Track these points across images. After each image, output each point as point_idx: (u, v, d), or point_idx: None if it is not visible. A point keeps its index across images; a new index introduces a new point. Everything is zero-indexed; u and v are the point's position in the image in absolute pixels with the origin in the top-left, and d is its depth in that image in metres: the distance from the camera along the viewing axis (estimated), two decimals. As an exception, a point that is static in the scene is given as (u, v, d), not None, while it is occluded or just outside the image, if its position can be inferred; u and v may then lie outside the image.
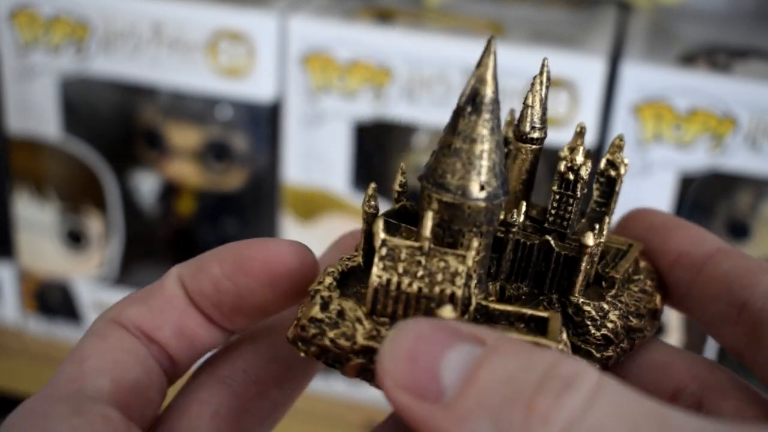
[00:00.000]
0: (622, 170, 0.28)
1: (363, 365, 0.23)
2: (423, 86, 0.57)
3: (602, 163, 0.28)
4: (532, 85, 0.27)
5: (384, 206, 0.26)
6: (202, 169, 0.66)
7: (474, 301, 0.24)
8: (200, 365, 0.28)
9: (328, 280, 0.25)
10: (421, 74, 0.56)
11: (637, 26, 0.61)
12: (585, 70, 0.54)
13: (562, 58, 0.55)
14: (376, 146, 0.64)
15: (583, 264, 0.26)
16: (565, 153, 0.28)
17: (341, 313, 0.24)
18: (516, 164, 0.27)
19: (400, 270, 0.23)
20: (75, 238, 0.69)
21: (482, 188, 0.23)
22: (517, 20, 0.61)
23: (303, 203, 0.63)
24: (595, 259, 0.27)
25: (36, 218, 0.68)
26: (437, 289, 0.23)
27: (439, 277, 0.23)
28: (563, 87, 0.55)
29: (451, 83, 0.56)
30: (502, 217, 0.26)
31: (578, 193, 0.27)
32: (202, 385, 0.27)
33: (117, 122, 0.68)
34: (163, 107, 0.66)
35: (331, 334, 0.24)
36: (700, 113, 0.54)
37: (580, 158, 0.27)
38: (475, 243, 0.24)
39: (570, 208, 0.27)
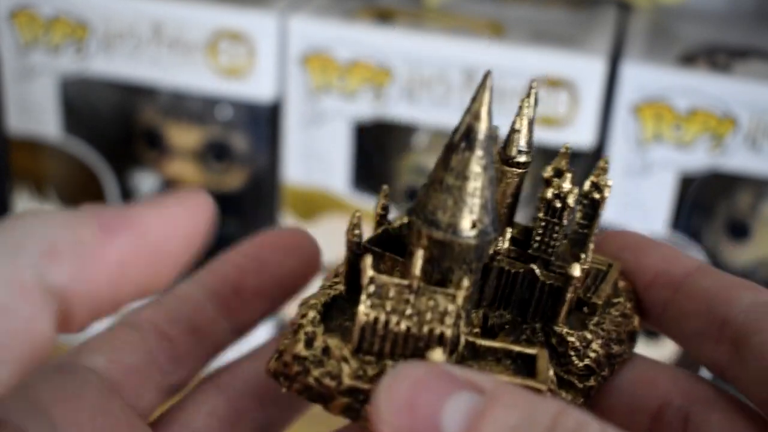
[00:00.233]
0: (606, 193, 0.27)
1: (348, 404, 0.23)
2: (423, 86, 0.57)
3: (586, 185, 0.27)
4: (520, 108, 0.27)
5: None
6: (202, 169, 0.66)
7: (462, 340, 0.23)
8: (205, 377, 0.28)
9: (311, 314, 0.24)
10: (421, 74, 0.56)
11: (637, 26, 0.61)
12: (585, 70, 0.54)
13: (562, 58, 0.55)
14: (376, 146, 0.64)
15: (569, 294, 0.26)
16: (548, 173, 0.27)
17: (326, 351, 0.23)
18: (500, 187, 0.27)
19: (388, 308, 0.23)
20: (75, 238, 0.69)
21: (473, 226, 0.23)
22: (517, 20, 0.61)
23: (303, 203, 0.63)
24: (579, 288, 0.26)
25: (36, 218, 0.68)
26: (426, 329, 0.23)
27: (428, 316, 0.23)
28: (563, 87, 0.55)
29: (451, 83, 0.56)
30: None
31: (564, 221, 0.26)
32: (201, 390, 0.27)
33: (117, 122, 0.68)
34: (163, 107, 0.66)
35: (315, 373, 0.23)
36: (700, 113, 0.54)
37: (567, 185, 0.26)
38: (466, 282, 0.23)
39: (555, 235, 0.27)
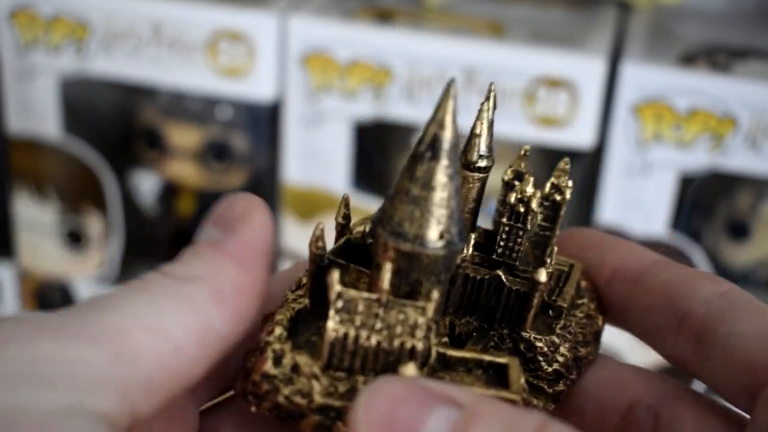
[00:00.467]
0: (567, 195, 0.27)
1: (320, 422, 0.22)
2: (423, 86, 0.57)
3: (547, 187, 0.27)
4: (480, 111, 0.26)
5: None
6: (202, 169, 0.66)
7: (433, 352, 0.23)
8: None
9: (278, 330, 0.24)
10: (421, 74, 0.56)
11: (637, 26, 0.61)
12: (585, 70, 0.54)
13: (562, 58, 0.55)
14: (376, 146, 0.64)
15: (535, 300, 0.26)
16: (508, 176, 0.27)
17: (296, 368, 0.23)
18: (462, 192, 0.27)
19: (358, 323, 0.22)
20: (75, 238, 0.69)
21: (441, 237, 0.22)
22: (517, 20, 0.61)
23: (303, 203, 0.63)
24: (545, 291, 0.26)
25: (36, 218, 0.68)
26: (397, 343, 0.22)
27: (399, 329, 0.22)
28: (563, 87, 0.55)
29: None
30: None
31: (528, 225, 0.26)
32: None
33: (117, 122, 0.68)
34: (163, 107, 0.66)
35: (285, 391, 0.23)
36: (700, 113, 0.54)
37: (530, 189, 0.26)
38: (435, 294, 0.23)
39: (519, 240, 0.26)
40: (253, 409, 0.23)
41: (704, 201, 0.59)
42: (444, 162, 0.22)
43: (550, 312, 0.27)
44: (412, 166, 0.22)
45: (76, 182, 0.68)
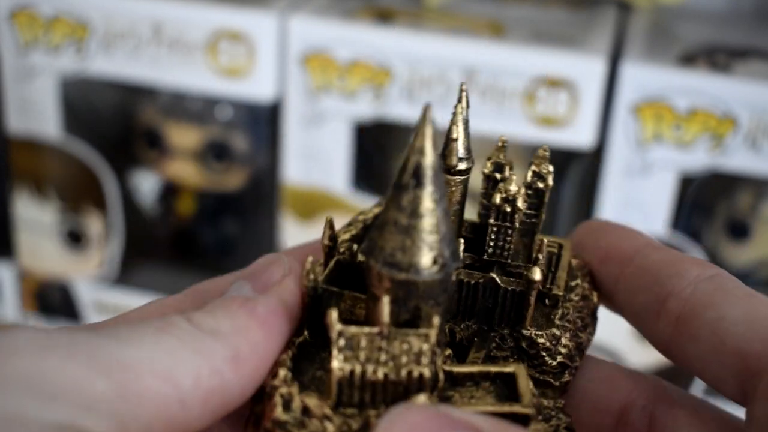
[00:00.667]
0: (549, 181, 0.27)
1: None
2: (423, 86, 0.57)
3: (528, 176, 0.27)
4: (454, 114, 0.26)
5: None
6: (202, 169, 0.66)
7: (441, 375, 0.23)
8: None
9: (282, 372, 0.23)
10: (421, 74, 0.56)
11: (637, 26, 0.61)
12: (585, 70, 0.54)
13: (562, 58, 0.55)
14: (376, 146, 0.64)
15: (532, 298, 0.26)
16: (488, 168, 0.27)
17: (306, 411, 0.22)
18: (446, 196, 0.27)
19: (362, 358, 0.22)
20: (75, 238, 0.69)
21: (435, 262, 0.22)
22: (517, 20, 0.61)
23: (303, 203, 0.63)
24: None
25: (36, 218, 0.68)
26: (404, 373, 0.22)
27: (404, 359, 0.22)
28: (563, 87, 0.55)
29: (451, 83, 0.56)
30: None
31: (516, 223, 0.26)
32: None
33: (117, 122, 0.68)
34: (163, 107, 0.66)
35: None
36: (700, 113, 0.54)
37: (513, 187, 0.26)
38: (436, 320, 0.23)
39: (509, 238, 0.26)
40: None
41: (704, 201, 0.59)
42: (429, 188, 0.22)
43: (546, 301, 0.27)
44: (398, 196, 0.22)
45: (76, 182, 0.68)
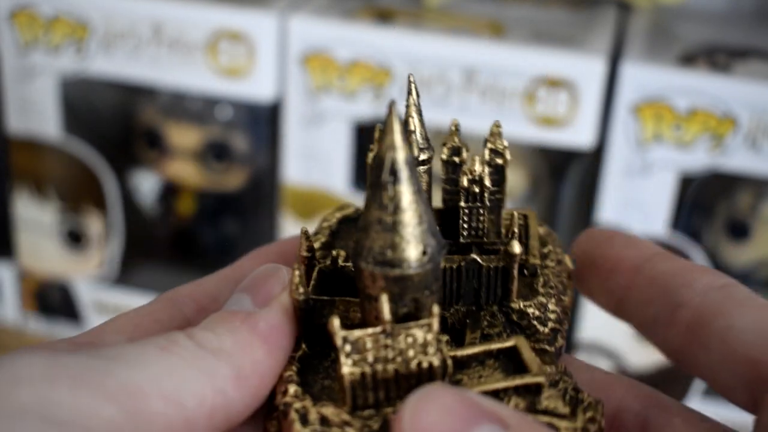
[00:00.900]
0: (507, 155, 0.27)
1: None
2: (423, 86, 0.57)
3: (486, 154, 0.28)
4: (407, 107, 0.27)
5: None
6: (202, 169, 0.66)
7: (449, 362, 0.23)
8: None
9: (293, 388, 0.23)
10: (421, 74, 0.56)
11: (637, 26, 0.61)
12: (585, 70, 0.54)
13: (562, 58, 0.55)
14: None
15: (515, 271, 0.26)
16: (446, 154, 0.27)
17: (324, 421, 0.23)
18: None
19: (371, 359, 0.23)
20: (75, 238, 0.69)
21: (424, 253, 0.23)
22: (517, 20, 0.61)
23: (303, 203, 0.63)
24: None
25: (36, 218, 0.68)
26: (414, 365, 0.23)
27: (411, 352, 0.23)
28: (563, 87, 0.55)
29: (451, 83, 0.56)
30: None
31: (486, 201, 0.27)
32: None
33: (117, 122, 0.68)
34: (163, 107, 0.66)
35: None
36: (700, 113, 0.54)
37: (478, 167, 0.26)
38: (436, 309, 0.23)
39: (482, 218, 0.27)
40: None
41: (704, 201, 0.59)
42: (407, 182, 0.22)
43: (525, 272, 0.27)
44: (377, 194, 0.23)
45: (76, 182, 0.68)
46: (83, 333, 0.25)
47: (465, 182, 0.27)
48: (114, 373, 0.21)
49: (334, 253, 0.27)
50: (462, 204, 0.27)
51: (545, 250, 0.28)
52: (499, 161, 0.27)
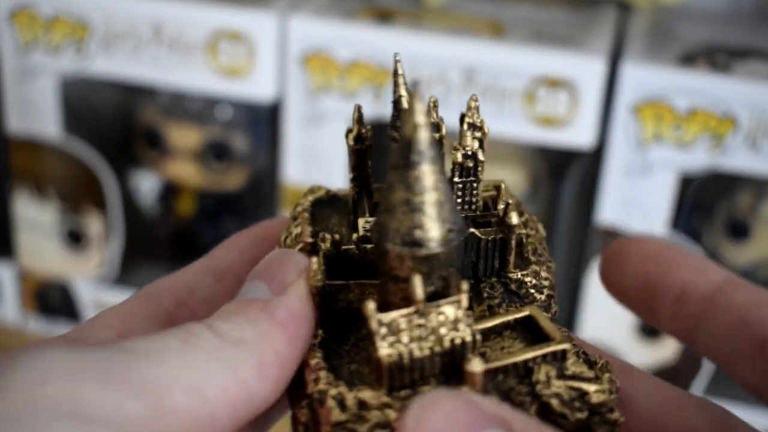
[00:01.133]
0: (486, 129, 0.28)
1: None
2: (423, 86, 0.56)
3: (465, 128, 0.28)
4: (397, 86, 0.27)
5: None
6: (202, 169, 0.66)
7: (478, 336, 0.23)
8: None
9: (324, 375, 0.23)
10: (421, 74, 0.56)
11: (637, 26, 0.61)
12: (585, 70, 0.54)
13: (562, 58, 0.55)
14: (376, 146, 0.64)
15: (514, 242, 0.26)
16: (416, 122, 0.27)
17: (363, 405, 0.23)
18: None
19: (405, 340, 0.23)
20: (75, 238, 0.69)
21: (450, 230, 0.23)
22: (517, 20, 0.61)
23: (303, 203, 0.62)
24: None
25: (36, 218, 0.68)
26: (447, 342, 0.23)
27: (443, 330, 0.23)
28: (563, 87, 0.55)
29: (451, 83, 0.56)
30: None
31: (480, 175, 0.27)
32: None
33: (117, 122, 0.68)
34: (163, 107, 0.66)
35: (363, 429, 0.22)
36: (700, 113, 0.54)
37: (469, 141, 0.27)
38: (465, 285, 0.23)
39: (475, 192, 0.27)
40: None
41: (704, 201, 0.59)
42: (431, 162, 0.23)
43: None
44: (403, 175, 0.23)
45: (76, 182, 0.68)
46: (73, 330, 0.25)
47: (459, 157, 0.27)
48: (137, 368, 0.21)
49: (336, 236, 0.27)
50: (455, 179, 0.27)
51: (523, 219, 0.29)
52: (479, 135, 0.28)
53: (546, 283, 0.27)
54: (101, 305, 0.69)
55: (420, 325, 0.23)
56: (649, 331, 0.59)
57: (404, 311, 0.23)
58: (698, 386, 0.60)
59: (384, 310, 0.23)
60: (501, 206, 0.28)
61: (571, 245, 0.61)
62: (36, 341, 0.23)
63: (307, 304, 0.24)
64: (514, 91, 0.55)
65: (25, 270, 0.70)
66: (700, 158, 0.54)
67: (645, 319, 0.29)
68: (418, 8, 0.63)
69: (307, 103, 0.59)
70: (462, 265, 0.26)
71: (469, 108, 0.28)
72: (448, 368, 0.23)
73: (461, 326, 0.23)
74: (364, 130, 0.29)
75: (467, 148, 0.27)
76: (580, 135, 0.56)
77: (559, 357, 0.24)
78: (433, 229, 0.23)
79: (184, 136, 0.65)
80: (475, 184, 0.27)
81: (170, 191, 0.69)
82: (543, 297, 0.26)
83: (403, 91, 0.27)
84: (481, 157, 0.27)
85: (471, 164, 0.27)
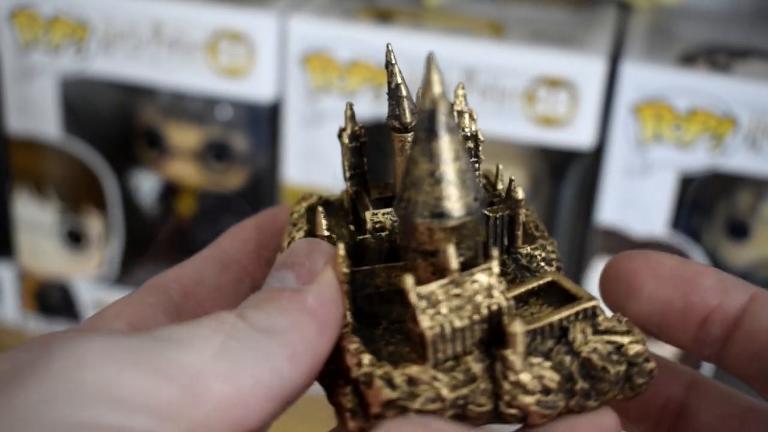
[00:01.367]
0: (474, 115, 0.28)
1: (455, 414, 0.23)
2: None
3: (455, 115, 0.28)
4: (392, 74, 0.27)
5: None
6: (202, 169, 0.66)
7: (512, 301, 0.24)
8: None
9: (367, 357, 0.23)
10: (421, 74, 0.56)
11: (637, 26, 0.61)
12: (585, 70, 0.54)
13: (562, 58, 0.55)
14: (376, 146, 0.64)
15: (522, 217, 0.27)
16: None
17: (412, 381, 0.23)
18: (405, 157, 0.27)
19: (445, 311, 0.23)
20: (75, 238, 0.69)
21: (476, 199, 0.23)
22: (517, 20, 0.61)
23: (303, 203, 0.62)
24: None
25: (36, 218, 0.68)
26: (484, 309, 0.23)
27: (479, 298, 0.23)
28: (563, 87, 0.55)
29: (451, 83, 0.56)
30: None
31: (481, 155, 0.27)
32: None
33: (117, 122, 0.68)
34: (163, 107, 0.66)
35: (416, 405, 0.22)
36: (700, 113, 0.54)
37: (467, 122, 0.27)
38: (495, 252, 0.23)
39: (477, 172, 0.27)
40: None
41: (704, 201, 0.59)
42: (454, 131, 0.23)
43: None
44: (426, 148, 0.23)
45: (76, 182, 0.68)
46: (85, 322, 0.25)
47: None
48: (172, 355, 0.21)
49: (351, 227, 0.27)
50: None
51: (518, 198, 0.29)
52: (468, 119, 0.28)
53: (553, 255, 0.27)
54: (101, 305, 0.69)
55: (457, 295, 0.23)
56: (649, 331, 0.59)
57: (441, 282, 0.23)
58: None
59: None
60: (500, 186, 0.28)
61: (571, 245, 0.61)
62: (62, 331, 0.23)
63: (337, 292, 0.24)
64: (514, 91, 0.55)
65: (25, 270, 0.70)
66: (700, 158, 0.54)
67: (663, 341, 0.28)
68: (418, 8, 0.63)
69: (307, 103, 0.59)
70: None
71: (456, 96, 0.28)
72: (486, 336, 0.23)
73: (495, 292, 0.23)
74: (357, 128, 0.29)
75: (467, 129, 0.27)
76: (580, 135, 0.56)
77: (590, 314, 0.24)
78: (460, 198, 0.23)
79: (184, 136, 0.65)
80: (477, 165, 0.27)
81: (170, 191, 0.69)
82: (553, 269, 0.27)
83: (399, 79, 0.27)
84: (481, 137, 0.27)
85: (472, 145, 0.27)
